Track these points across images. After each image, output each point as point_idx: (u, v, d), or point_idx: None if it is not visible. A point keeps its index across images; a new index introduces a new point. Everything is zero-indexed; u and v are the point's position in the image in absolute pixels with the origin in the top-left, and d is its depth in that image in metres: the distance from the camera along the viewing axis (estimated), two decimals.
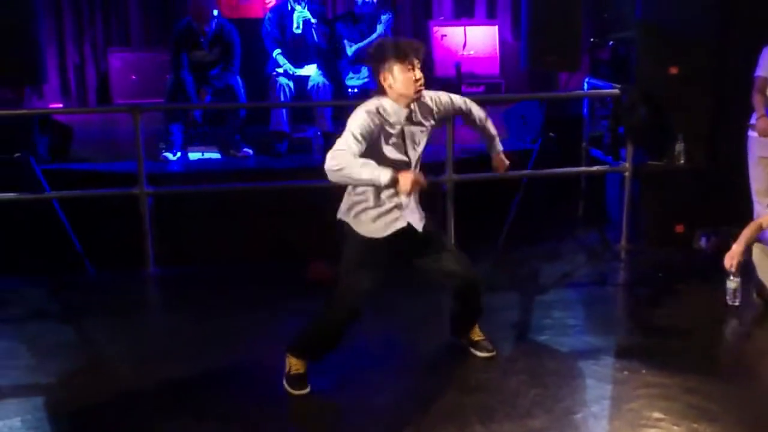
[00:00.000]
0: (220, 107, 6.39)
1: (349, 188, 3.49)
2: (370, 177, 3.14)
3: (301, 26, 6.40)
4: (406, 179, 3.13)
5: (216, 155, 6.07)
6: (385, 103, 3.38)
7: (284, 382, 3.63)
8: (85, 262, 5.22)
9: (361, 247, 3.49)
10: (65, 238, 5.21)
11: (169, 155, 5.96)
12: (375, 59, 3.42)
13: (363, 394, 3.63)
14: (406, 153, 3.46)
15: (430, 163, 5.75)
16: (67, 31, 8.18)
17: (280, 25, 6.46)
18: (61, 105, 8.05)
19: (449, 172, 5.38)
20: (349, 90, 6.68)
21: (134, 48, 8.21)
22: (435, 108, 3.56)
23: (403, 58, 3.33)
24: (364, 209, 3.47)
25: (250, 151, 6.13)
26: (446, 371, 3.86)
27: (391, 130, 3.39)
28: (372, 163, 3.19)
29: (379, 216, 3.46)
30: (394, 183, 3.13)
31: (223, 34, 6.20)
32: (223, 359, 3.99)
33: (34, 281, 5.07)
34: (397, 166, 3.29)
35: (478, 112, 3.80)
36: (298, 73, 6.40)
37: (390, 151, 3.40)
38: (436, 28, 8.42)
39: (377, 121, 3.31)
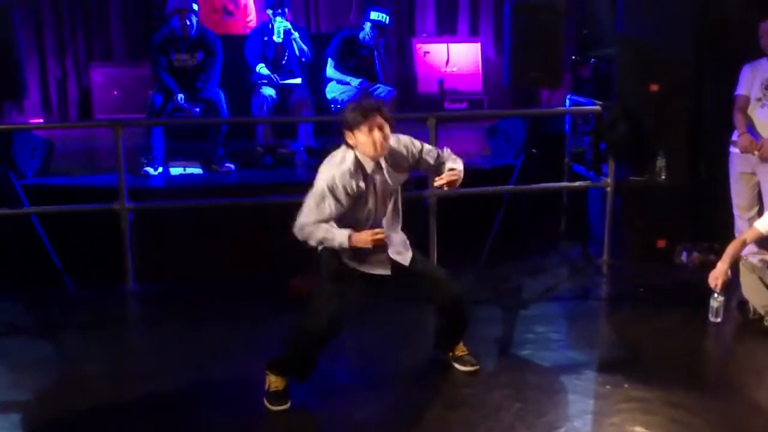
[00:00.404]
0: (202, 122, 6.37)
1: None
2: (332, 242, 3.32)
3: (281, 35, 6.42)
4: (359, 240, 3.24)
5: (198, 170, 6.04)
6: (350, 156, 3.41)
7: (264, 399, 3.60)
8: (64, 277, 5.16)
9: (340, 267, 3.49)
10: (44, 253, 5.14)
11: (150, 170, 5.92)
12: (340, 120, 3.47)
13: (345, 409, 3.61)
14: (375, 207, 3.48)
15: (412, 179, 5.78)
16: (48, 46, 8.14)
17: (262, 42, 6.49)
18: (41, 120, 7.99)
19: (432, 187, 5.37)
20: (332, 105, 6.69)
21: (116, 63, 8.18)
22: (408, 155, 3.55)
23: (363, 121, 3.33)
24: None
25: (232, 166, 6.11)
26: (429, 386, 3.84)
27: (358, 185, 3.39)
28: (331, 228, 3.33)
29: (362, 262, 3.52)
30: (351, 244, 3.26)
31: (206, 39, 6.19)
32: (204, 375, 3.95)
33: (12, 296, 4.99)
34: (368, 221, 3.43)
35: (451, 165, 3.63)
36: (282, 82, 6.43)
37: (357, 208, 3.43)
38: (419, 45, 8.47)
39: (339, 185, 3.34)
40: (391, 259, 3.58)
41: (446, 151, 3.66)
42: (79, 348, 4.35)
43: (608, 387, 3.79)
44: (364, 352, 4.22)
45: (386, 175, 3.49)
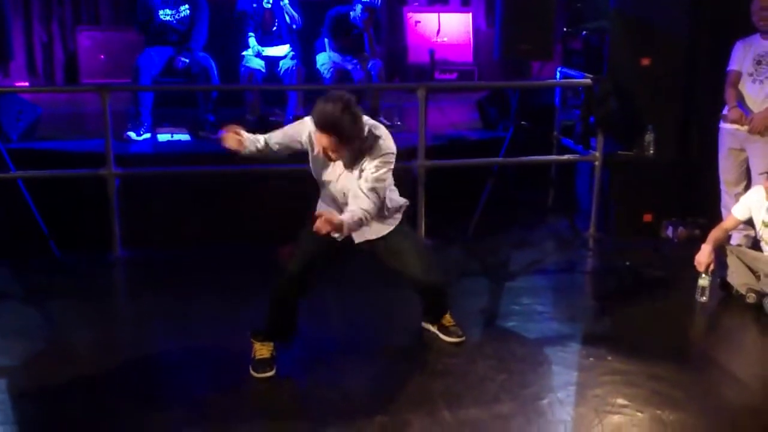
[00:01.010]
0: (189, 89, 6.31)
1: None
2: None
3: (271, 1, 6.34)
4: (318, 223, 3.18)
5: (185, 137, 5.99)
6: None
7: (249, 367, 3.62)
8: (50, 243, 5.13)
9: (310, 228, 3.47)
10: (31, 219, 5.11)
11: (132, 134, 5.85)
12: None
13: (329, 378, 3.63)
14: (334, 184, 3.52)
15: (401, 149, 5.76)
16: (34, 8, 7.98)
17: (251, 8, 6.39)
18: (27, 83, 7.88)
19: (421, 157, 5.37)
20: (322, 75, 6.62)
21: (103, 27, 8.06)
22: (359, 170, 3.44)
23: (315, 125, 3.34)
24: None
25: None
26: (414, 356, 3.88)
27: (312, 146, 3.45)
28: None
29: None
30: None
31: None
32: (190, 343, 3.96)
33: None
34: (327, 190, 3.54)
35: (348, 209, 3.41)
36: (267, 54, 6.35)
37: (317, 168, 3.54)
38: (410, 14, 8.38)
39: (310, 129, 3.42)
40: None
41: (364, 198, 3.35)
42: (65, 315, 4.35)
43: (592, 359, 3.84)
44: (352, 324, 4.24)
45: (342, 174, 3.48)
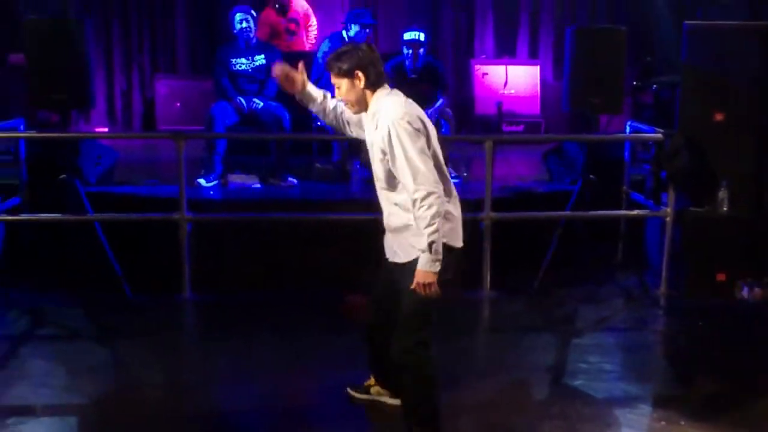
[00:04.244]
0: (259, 137, 6.45)
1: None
2: None
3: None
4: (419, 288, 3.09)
5: (256, 184, 6.11)
6: None
7: None
8: (123, 284, 5.27)
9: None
10: (105, 260, 5.27)
11: (202, 181, 6.02)
12: None
13: None
14: (370, 154, 3.30)
15: (468, 200, 5.78)
16: (115, 57, 8.38)
17: None
18: (106, 129, 8.21)
19: (487, 209, 5.35)
20: None
21: (180, 76, 8.37)
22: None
23: None
24: None
25: (295, 181, 6.17)
26: (477, 414, 3.79)
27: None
28: None
29: None
30: None
31: (266, 46, 6.43)
32: (255, 388, 3.99)
33: (72, 301, 5.12)
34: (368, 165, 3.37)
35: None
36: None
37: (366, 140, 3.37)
38: (477, 67, 8.47)
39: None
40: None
41: (415, 211, 3.05)
42: (135, 354, 4.44)
43: (663, 423, 3.70)
44: None
45: (367, 129, 3.32)
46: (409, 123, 3.07)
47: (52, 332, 4.75)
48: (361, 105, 3.26)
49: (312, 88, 3.46)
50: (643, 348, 4.78)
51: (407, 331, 3.22)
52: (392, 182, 3.19)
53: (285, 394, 3.92)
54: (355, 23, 6.41)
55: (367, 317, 3.55)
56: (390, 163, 3.11)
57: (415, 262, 3.10)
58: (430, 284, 3.06)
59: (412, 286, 3.09)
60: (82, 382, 4.02)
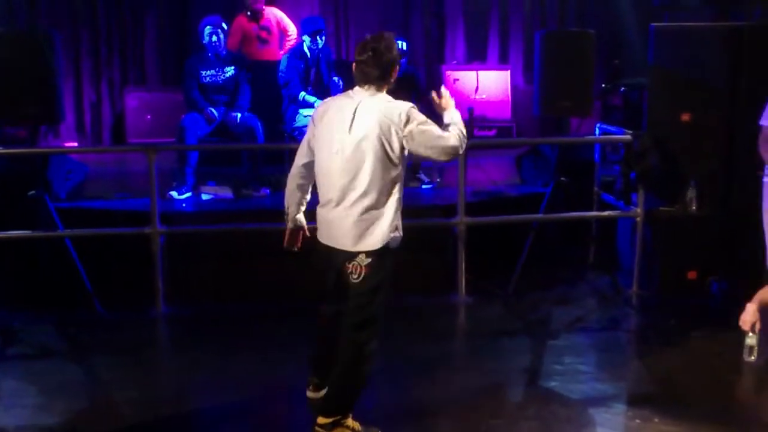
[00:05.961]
0: (232, 148, 6.43)
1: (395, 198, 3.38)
2: None
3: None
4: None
5: (229, 195, 6.08)
6: None
7: None
8: (94, 300, 5.22)
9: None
10: (75, 275, 5.21)
11: (174, 194, 5.98)
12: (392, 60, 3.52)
13: None
14: None
15: (441, 206, 5.80)
16: (84, 70, 8.30)
17: (301, 67, 6.48)
18: (76, 143, 8.13)
19: (460, 214, 5.38)
20: None
21: (150, 88, 8.31)
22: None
23: None
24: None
25: (268, 191, 6.16)
26: (455, 417, 3.81)
27: None
28: None
29: None
30: None
31: (236, 57, 6.38)
32: (231, 401, 3.96)
33: (43, 318, 5.06)
34: None
35: None
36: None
37: None
38: (448, 72, 8.52)
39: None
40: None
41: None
42: (107, 371, 4.39)
43: (638, 421, 3.74)
44: (396, 385, 4.19)
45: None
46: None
47: (22, 350, 4.67)
48: None
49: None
50: (616, 347, 4.83)
51: (359, 324, 3.33)
52: (384, 175, 3.30)
53: (261, 407, 3.90)
54: (305, 34, 6.43)
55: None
56: (407, 143, 3.35)
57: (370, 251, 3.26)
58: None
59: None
60: (55, 401, 3.96)
